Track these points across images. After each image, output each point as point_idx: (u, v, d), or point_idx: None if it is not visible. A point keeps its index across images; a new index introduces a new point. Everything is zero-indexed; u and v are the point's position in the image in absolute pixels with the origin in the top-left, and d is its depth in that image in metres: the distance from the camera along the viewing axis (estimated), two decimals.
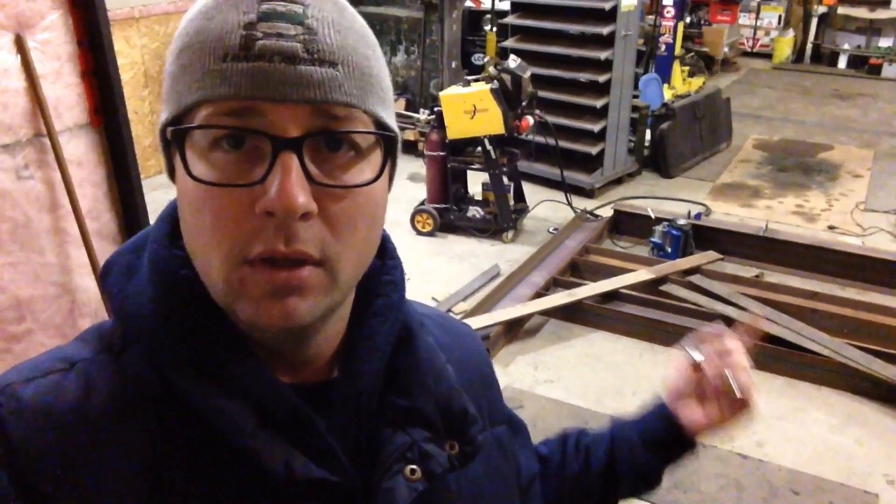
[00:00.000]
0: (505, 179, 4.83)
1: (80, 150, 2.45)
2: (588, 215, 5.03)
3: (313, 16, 0.51)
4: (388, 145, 0.56)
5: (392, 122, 0.57)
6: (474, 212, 4.94)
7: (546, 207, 5.31)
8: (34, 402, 0.55)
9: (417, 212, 4.99)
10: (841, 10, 10.17)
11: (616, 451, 0.88)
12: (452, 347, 0.73)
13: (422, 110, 5.57)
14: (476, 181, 5.11)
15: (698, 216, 4.84)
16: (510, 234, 4.90)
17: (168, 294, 0.57)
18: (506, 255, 4.71)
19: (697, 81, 8.17)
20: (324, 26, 0.51)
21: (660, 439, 0.88)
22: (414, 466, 0.60)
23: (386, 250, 0.67)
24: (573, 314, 3.90)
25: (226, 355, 0.56)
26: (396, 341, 0.64)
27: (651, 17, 7.41)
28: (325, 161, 0.52)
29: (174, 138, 0.53)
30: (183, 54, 0.52)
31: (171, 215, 0.60)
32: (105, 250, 2.56)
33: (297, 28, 0.50)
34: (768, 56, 10.75)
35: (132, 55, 5.59)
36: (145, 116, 5.81)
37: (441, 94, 4.72)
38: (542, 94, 5.04)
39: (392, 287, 0.65)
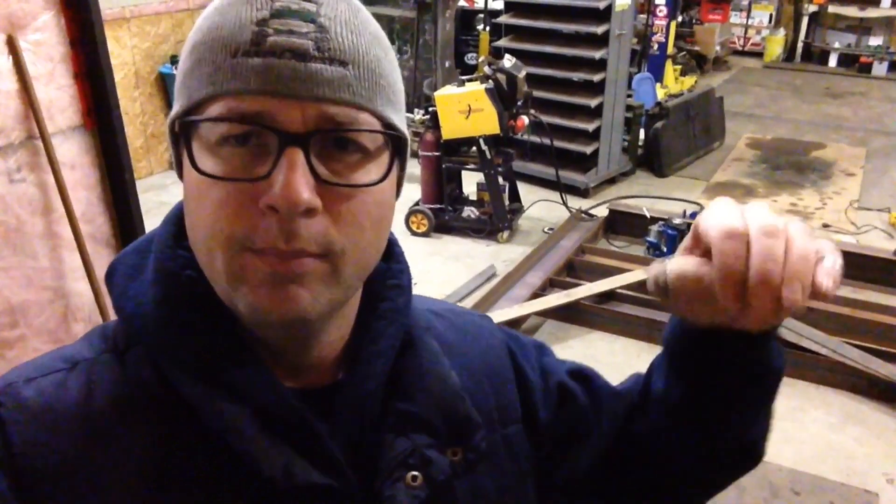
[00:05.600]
0: (500, 179, 4.81)
1: (74, 153, 2.41)
2: (583, 215, 5.02)
3: (326, 14, 0.51)
4: (396, 147, 0.56)
5: (402, 125, 0.56)
6: (469, 212, 4.93)
7: (541, 207, 5.30)
8: (35, 403, 0.55)
9: (412, 212, 4.97)
10: (831, 9, 10.21)
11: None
12: (462, 347, 0.72)
13: (416, 110, 5.55)
14: (471, 181, 5.10)
15: (694, 215, 4.83)
16: (505, 234, 4.89)
17: (171, 295, 0.57)
18: (501, 255, 4.69)
19: (689, 80, 8.19)
20: (336, 25, 0.51)
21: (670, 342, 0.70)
22: (415, 473, 0.59)
23: (393, 254, 0.66)
24: (570, 315, 3.89)
25: (228, 358, 0.55)
26: (401, 346, 0.63)
27: (643, 17, 7.41)
28: (331, 160, 0.51)
29: (182, 131, 0.53)
30: (196, 50, 0.52)
31: (177, 216, 0.60)
32: (99, 254, 2.52)
33: (309, 26, 0.50)
34: (759, 55, 10.79)
35: (123, 56, 5.54)
36: (136, 117, 5.76)
37: (436, 93, 4.71)
38: (536, 93, 5.03)
39: (398, 292, 0.65)
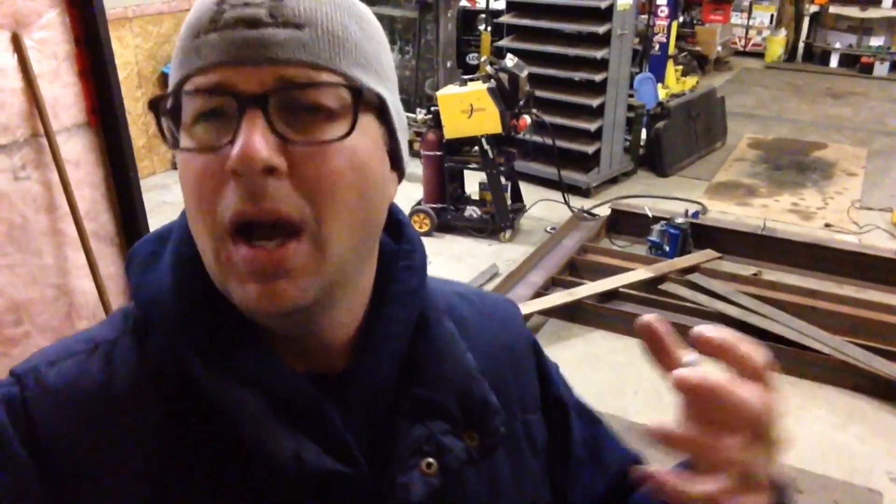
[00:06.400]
0: (502, 179, 4.81)
1: (78, 151, 2.42)
2: (585, 214, 5.03)
3: None
4: (375, 108, 0.55)
5: (376, 86, 0.55)
6: (471, 211, 4.93)
7: (543, 207, 5.30)
8: (57, 385, 0.55)
9: (414, 212, 4.97)
10: (832, 10, 10.21)
11: None
12: (486, 330, 0.71)
13: (418, 110, 5.55)
14: (473, 181, 5.10)
15: (696, 215, 4.84)
16: (508, 233, 4.89)
17: (185, 280, 0.57)
18: (503, 254, 4.69)
19: (691, 81, 8.19)
20: None
21: None
22: (431, 460, 0.58)
23: (403, 234, 0.65)
24: (573, 314, 3.90)
25: (239, 343, 0.55)
26: (416, 328, 0.62)
27: (644, 17, 7.41)
28: (296, 122, 0.51)
29: (153, 113, 0.54)
30: (177, 42, 0.55)
31: None
32: (103, 251, 2.53)
33: None
34: (760, 55, 10.80)
35: (125, 55, 5.54)
36: (138, 117, 5.76)
37: (438, 93, 4.71)
38: (538, 93, 5.03)
39: (409, 272, 0.63)
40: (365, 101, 0.54)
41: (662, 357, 0.52)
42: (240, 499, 0.54)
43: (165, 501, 0.54)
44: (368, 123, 0.55)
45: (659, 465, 0.52)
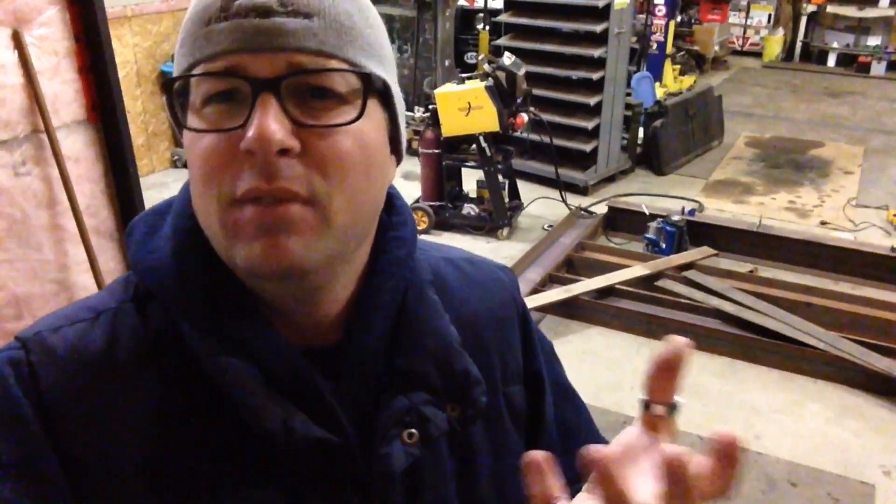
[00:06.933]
0: (500, 177, 4.83)
1: (78, 147, 2.43)
2: (582, 212, 5.05)
3: None
4: (379, 93, 0.57)
5: (381, 72, 0.57)
6: (469, 209, 4.95)
7: (540, 205, 5.32)
8: (62, 350, 0.57)
9: (412, 209, 4.97)
10: (830, 9, 10.24)
11: None
12: (471, 299, 0.72)
13: (416, 108, 5.57)
14: (471, 179, 5.12)
15: (692, 212, 4.86)
16: (505, 231, 4.91)
17: (184, 251, 0.59)
18: (501, 252, 4.71)
19: (688, 80, 8.22)
20: None
21: None
22: (412, 430, 0.60)
23: (393, 207, 0.67)
24: (570, 310, 3.92)
25: (234, 314, 0.57)
26: (402, 300, 0.64)
27: (642, 16, 7.43)
28: (306, 106, 0.53)
29: (166, 94, 0.57)
30: (183, 30, 0.56)
31: None
32: (103, 247, 2.54)
33: None
34: (758, 54, 10.82)
35: (125, 54, 5.56)
36: (137, 116, 5.78)
37: (436, 91, 4.72)
38: (535, 91, 5.05)
39: (397, 243, 0.65)
40: (372, 87, 0.56)
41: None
42: (235, 464, 0.56)
43: (163, 465, 0.56)
44: (374, 108, 0.57)
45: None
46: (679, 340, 0.48)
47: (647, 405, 0.49)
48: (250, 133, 0.50)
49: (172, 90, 0.56)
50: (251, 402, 0.55)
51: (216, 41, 0.52)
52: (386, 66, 0.59)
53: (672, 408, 0.49)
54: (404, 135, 0.63)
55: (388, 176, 0.61)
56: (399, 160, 0.63)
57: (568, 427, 0.78)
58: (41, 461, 0.54)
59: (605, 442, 0.78)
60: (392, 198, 0.66)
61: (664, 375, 0.49)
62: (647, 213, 4.74)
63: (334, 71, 0.53)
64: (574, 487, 0.67)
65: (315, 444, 0.56)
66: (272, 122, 0.50)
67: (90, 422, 0.56)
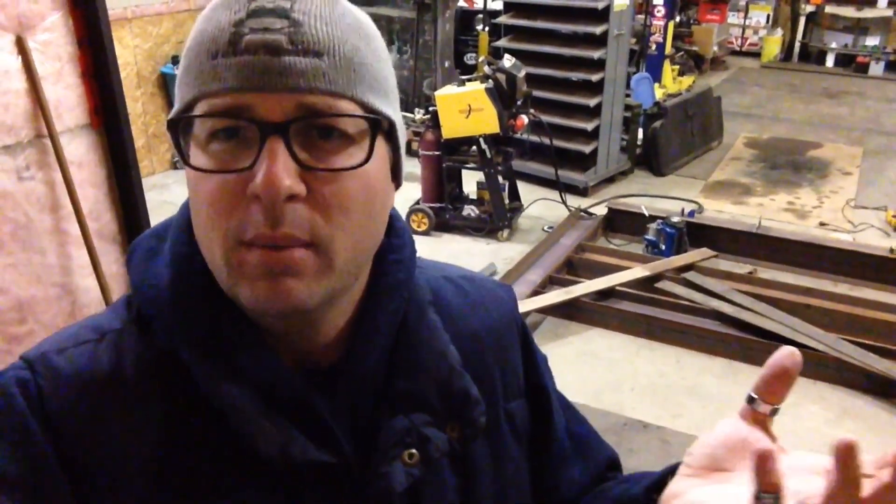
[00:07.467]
0: (500, 178, 4.84)
1: (81, 151, 2.45)
2: (582, 213, 5.06)
3: (300, 9, 0.53)
4: (384, 131, 0.57)
5: (387, 110, 0.57)
6: (469, 211, 4.96)
7: (540, 206, 5.34)
8: (67, 371, 0.58)
9: (412, 211, 5.00)
10: (828, 9, 10.25)
11: None
12: (471, 317, 0.72)
13: (416, 110, 5.58)
14: (471, 180, 5.13)
15: (692, 214, 4.87)
16: (505, 232, 4.92)
17: (183, 277, 0.59)
18: (501, 253, 4.73)
19: (687, 80, 8.22)
20: (310, 18, 0.53)
21: None
22: (413, 451, 0.61)
23: (393, 229, 0.66)
24: (570, 312, 3.93)
25: (234, 340, 0.58)
26: (402, 321, 0.64)
27: (641, 17, 7.44)
28: (314, 147, 0.53)
29: (170, 129, 0.56)
30: (186, 56, 0.55)
31: None
32: (106, 251, 2.56)
33: (283, 22, 0.52)
34: (757, 55, 10.83)
35: (125, 56, 5.56)
36: (138, 117, 5.78)
37: (436, 93, 4.74)
38: (535, 93, 5.06)
39: (397, 266, 0.65)
40: (380, 127, 0.56)
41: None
42: (237, 485, 0.57)
43: (167, 485, 0.56)
44: (379, 146, 0.57)
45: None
46: (798, 354, 0.50)
47: (752, 400, 0.52)
48: (258, 179, 0.50)
49: (178, 129, 0.55)
50: (249, 429, 0.56)
51: (223, 77, 0.51)
52: (391, 99, 0.59)
53: (775, 411, 0.53)
54: (403, 162, 0.63)
55: (388, 206, 0.62)
56: (398, 186, 0.64)
57: (580, 439, 0.80)
58: (49, 479, 0.55)
59: (609, 445, 0.82)
60: (392, 219, 0.66)
61: (781, 380, 0.51)
62: (647, 214, 4.75)
63: (344, 116, 0.53)
64: (594, 490, 0.70)
65: (313, 465, 0.57)
66: (281, 170, 0.50)
67: (96, 442, 0.57)
